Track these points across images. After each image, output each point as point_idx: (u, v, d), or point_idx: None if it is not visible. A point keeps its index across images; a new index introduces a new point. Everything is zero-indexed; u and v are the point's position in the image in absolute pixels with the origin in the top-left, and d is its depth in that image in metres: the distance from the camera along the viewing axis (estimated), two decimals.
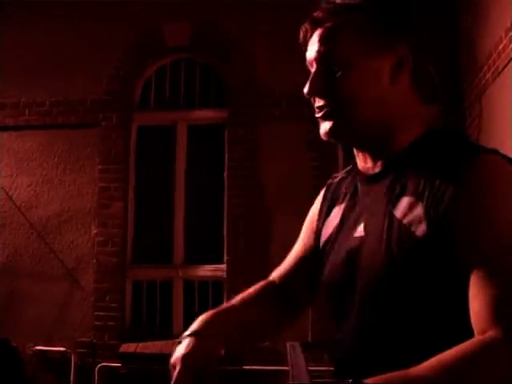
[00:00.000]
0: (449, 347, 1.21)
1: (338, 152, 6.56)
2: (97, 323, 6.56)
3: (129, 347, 6.44)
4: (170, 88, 7.08)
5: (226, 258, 6.56)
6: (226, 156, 6.72)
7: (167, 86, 7.10)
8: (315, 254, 1.75)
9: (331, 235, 1.67)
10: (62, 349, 6.44)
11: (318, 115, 1.57)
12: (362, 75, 1.48)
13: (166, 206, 6.87)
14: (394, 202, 1.46)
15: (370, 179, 1.58)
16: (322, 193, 1.84)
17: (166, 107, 7.06)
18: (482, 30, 5.84)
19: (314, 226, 1.78)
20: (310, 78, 1.55)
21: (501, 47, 5.21)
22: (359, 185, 1.63)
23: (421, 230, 1.37)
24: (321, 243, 1.72)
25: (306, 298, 1.92)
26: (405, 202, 1.44)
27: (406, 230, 1.40)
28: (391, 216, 1.45)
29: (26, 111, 6.99)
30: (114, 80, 6.93)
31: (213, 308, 1.77)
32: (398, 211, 1.44)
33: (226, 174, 6.67)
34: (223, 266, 6.57)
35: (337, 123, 1.52)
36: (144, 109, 7.07)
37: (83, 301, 6.63)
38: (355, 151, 1.64)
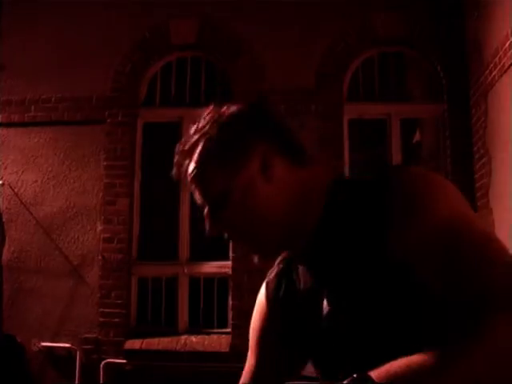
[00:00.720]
0: None
1: (344, 149, 6.56)
2: (102, 320, 6.56)
3: (134, 344, 6.46)
4: (176, 85, 7.09)
5: (231, 254, 6.56)
6: None
7: (173, 83, 7.10)
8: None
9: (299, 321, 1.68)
10: (67, 345, 6.46)
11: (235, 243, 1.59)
12: (241, 195, 1.46)
13: (172, 203, 6.88)
14: (342, 268, 1.45)
15: (305, 259, 1.57)
16: (263, 296, 1.85)
17: (171, 104, 7.06)
18: (488, 28, 5.83)
19: (267, 319, 1.89)
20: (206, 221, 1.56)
21: (507, 45, 5.21)
22: (297, 269, 1.64)
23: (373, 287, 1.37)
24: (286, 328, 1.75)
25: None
26: (348, 267, 1.43)
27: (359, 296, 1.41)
28: (348, 282, 1.45)
29: (32, 108, 6.99)
30: (120, 77, 6.94)
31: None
32: (349, 274, 1.44)
33: None
34: (228, 263, 6.57)
35: (259, 252, 1.53)
36: (150, 106, 7.07)
37: (88, 297, 6.64)
38: None
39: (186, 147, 1.55)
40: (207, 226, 1.55)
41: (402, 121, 6.75)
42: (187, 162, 1.54)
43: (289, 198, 1.48)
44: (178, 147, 1.57)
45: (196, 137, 1.54)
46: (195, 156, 1.52)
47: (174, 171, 1.59)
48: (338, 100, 6.67)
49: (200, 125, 1.56)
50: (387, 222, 1.32)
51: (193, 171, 1.52)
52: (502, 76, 5.40)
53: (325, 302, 1.51)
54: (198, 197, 1.55)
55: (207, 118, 1.58)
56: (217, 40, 6.87)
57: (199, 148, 1.52)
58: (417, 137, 7.43)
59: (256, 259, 1.55)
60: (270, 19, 6.72)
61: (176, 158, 1.58)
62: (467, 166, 6.35)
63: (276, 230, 1.48)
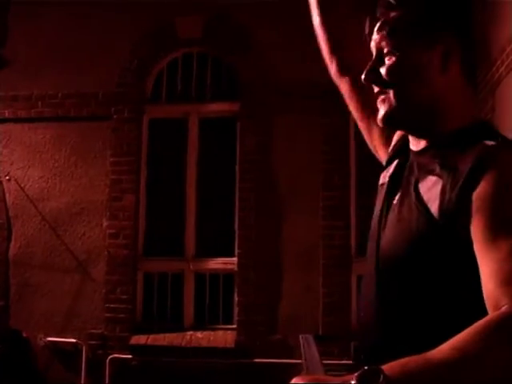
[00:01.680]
0: (464, 328, 1.21)
1: (350, 145, 6.55)
2: (108, 315, 6.57)
3: (140, 339, 6.47)
4: (182, 81, 7.08)
5: (237, 250, 6.56)
6: (238, 149, 6.72)
7: (179, 79, 7.10)
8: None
9: (382, 186, 1.76)
10: (73, 340, 6.47)
11: (378, 101, 1.65)
12: (410, 65, 1.56)
13: (178, 199, 6.88)
14: (423, 179, 1.54)
15: (415, 155, 1.65)
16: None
17: (177, 100, 7.06)
18: (495, 24, 5.81)
19: (386, 147, 1.90)
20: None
21: None
22: (409, 158, 1.69)
23: (434, 207, 1.44)
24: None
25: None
26: (430, 180, 1.51)
27: (424, 206, 1.48)
28: (417, 190, 1.53)
29: (39, 103, 7.00)
30: (126, 73, 6.94)
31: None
32: (423, 188, 1.52)
33: (237, 167, 6.67)
34: (234, 259, 6.58)
35: (388, 110, 1.60)
36: (156, 102, 7.07)
37: (94, 293, 6.65)
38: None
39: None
40: (364, 73, 1.63)
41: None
42: (387, 10, 1.59)
43: (445, 97, 1.58)
44: None
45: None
46: (399, 10, 1.58)
47: (367, 17, 1.67)
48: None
49: None
50: (479, 173, 1.39)
51: (387, 18, 1.59)
52: (509, 73, 5.38)
53: (397, 196, 1.63)
54: (372, 42, 1.64)
55: None
56: (223, 35, 6.87)
57: (406, 7, 1.58)
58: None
59: (381, 114, 1.63)
60: (276, 13, 6.70)
61: (378, 4, 1.63)
62: None
63: (419, 111, 1.59)
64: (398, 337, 1.48)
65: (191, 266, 6.74)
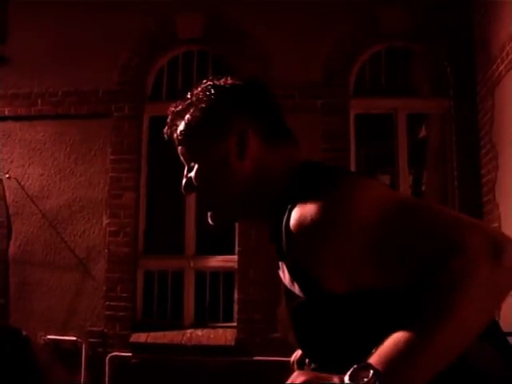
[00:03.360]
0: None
1: (350, 144, 6.56)
2: (108, 313, 6.58)
3: (140, 337, 6.47)
4: (183, 79, 7.09)
5: (237, 248, 6.57)
6: None
7: (179, 77, 7.10)
8: None
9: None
10: (73, 338, 6.48)
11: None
12: (210, 164, 1.63)
13: (178, 197, 6.88)
14: (281, 267, 1.60)
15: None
16: None
17: (177, 98, 7.02)
18: (495, 23, 5.81)
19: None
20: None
21: None
22: None
23: (296, 289, 1.47)
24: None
25: None
26: (283, 266, 1.56)
27: (292, 293, 1.51)
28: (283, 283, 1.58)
29: (39, 101, 7.01)
30: (127, 70, 6.94)
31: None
32: (284, 278, 1.56)
33: None
34: (234, 257, 6.58)
35: (210, 214, 1.70)
36: (156, 99, 7.07)
37: (94, 291, 6.65)
38: None
39: (177, 109, 1.72)
40: (182, 184, 1.72)
41: (408, 116, 6.74)
42: (176, 123, 1.72)
43: (258, 177, 1.61)
44: (171, 106, 1.75)
45: (188, 102, 1.70)
46: (183, 121, 1.69)
47: (165, 129, 1.78)
48: (345, 95, 6.67)
49: (195, 92, 1.71)
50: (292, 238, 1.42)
51: (179, 134, 1.70)
52: (508, 71, 5.39)
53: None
54: (181, 157, 1.74)
55: (203, 86, 1.71)
56: (224, 34, 6.87)
57: (188, 115, 1.68)
58: (423, 132, 7.43)
59: (209, 219, 1.71)
60: (277, 13, 6.71)
61: (168, 117, 1.75)
62: (473, 160, 6.34)
63: (234, 202, 1.64)
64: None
65: (191, 264, 6.74)
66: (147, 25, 6.93)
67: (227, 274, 6.66)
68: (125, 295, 6.60)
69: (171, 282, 6.80)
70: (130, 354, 6.42)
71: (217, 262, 6.71)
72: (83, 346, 6.45)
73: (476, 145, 6.33)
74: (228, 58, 6.94)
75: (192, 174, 1.66)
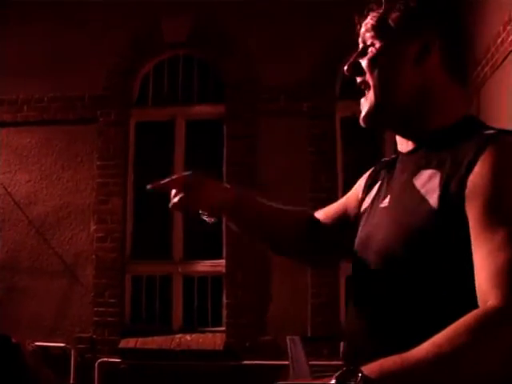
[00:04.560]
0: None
1: (336, 146, 6.57)
2: (96, 319, 6.56)
3: (128, 342, 6.46)
4: (169, 83, 7.08)
5: (225, 253, 6.57)
6: (225, 151, 6.72)
7: (165, 82, 7.10)
8: (352, 218, 1.86)
9: (367, 207, 1.75)
10: (61, 344, 6.45)
11: (361, 102, 1.67)
12: (389, 55, 1.60)
13: (165, 202, 6.86)
14: (417, 174, 1.52)
15: (405, 157, 1.65)
16: (369, 172, 1.91)
17: (164, 103, 7.06)
18: (480, 24, 5.84)
19: (359, 194, 1.87)
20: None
21: (499, 41, 5.21)
22: (397, 163, 1.70)
23: (434, 199, 1.41)
24: (360, 211, 1.80)
25: (329, 247, 2.03)
26: (426, 174, 1.49)
27: (422, 199, 1.45)
28: (412, 186, 1.51)
29: (25, 107, 6.99)
30: (112, 76, 6.93)
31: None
32: (419, 182, 1.50)
33: (224, 169, 6.67)
34: (222, 261, 6.58)
35: (368, 110, 1.63)
36: (142, 104, 7.07)
37: (83, 296, 6.63)
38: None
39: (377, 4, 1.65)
40: (346, 65, 1.67)
41: None
42: (374, 7, 1.65)
43: (425, 91, 1.58)
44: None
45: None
46: (383, 7, 1.62)
47: (358, 17, 1.71)
48: (331, 97, 6.67)
49: None
50: (478, 163, 1.37)
51: (375, 15, 1.63)
52: (494, 72, 5.41)
53: (387, 198, 1.63)
54: (362, 37, 1.67)
55: None
56: (209, 38, 6.87)
57: (389, 4, 1.62)
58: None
59: (362, 114, 1.65)
60: (262, 16, 6.71)
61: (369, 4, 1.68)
62: None
63: (399, 106, 1.60)
64: (388, 341, 1.43)
65: (179, 269, 6.74)
66: (133, 30, 6.91)
67: (215, 279, 6.66)
68: (113, 301, 6.59)
69: (159, 287, 6.79)
70: (118, 360, 6.41)
71: (205, 266, 6.71)
72: (72, 353, 6.43)
73: None
74: (214, 61, 6.95)
75: (365, 58, 1.62)
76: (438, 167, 1.47)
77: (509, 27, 4.95)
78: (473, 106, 6.00)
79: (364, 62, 1.62)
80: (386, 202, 1.61)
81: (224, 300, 6.49)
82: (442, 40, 1.59)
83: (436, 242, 1.39)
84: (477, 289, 1.28)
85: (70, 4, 6.93)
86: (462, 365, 1.16)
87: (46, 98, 6.95)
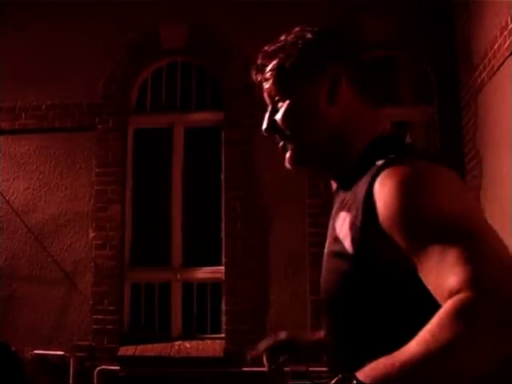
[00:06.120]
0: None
1: None
2: (95, 327, 6.55)
3: (127, 350, 6.45)
4: (167, 90, 7.09)
5: (224, 259, 6.56)
6: (223, 158, 6.72)
7: (163, 89, 7.10)
8: None
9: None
10: (60, 353, 6.43)
11: (280, 147, 1.72)
12: (300, 104, 1.62)
13: (164, 209, 6.87)
14: (336, 217, 1.57)
15: (335, 195, 1.69)
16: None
17: (162, 110, 7.06)
18: (477, 29, 5.85)
19: None
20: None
21: (496, 46, 5.22)
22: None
23: (348, 243, 1.45)
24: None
25: None
26: (342, 216, 1.53)
27: (340, 243, 1.49)
28: (333, 230, 1.57)
29: (23, 115, 6.99)
30: (111, 83, 6.93)
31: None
32: (337, 225, 1.54)
33: (222, 176, 6.67)
34: (221, 268, 6.57)
35: (292, 154, 1.68)
36: (140, 112, 7.07)
37: (81, 304, 6.62)
38: None
39: (271, 49, 1.71)
40: (264, 124, 1.70)
41: (392, 124, 6.74)
42: (268, 61, 1.71)
43: (344, 126, 1.61)
44: (263, 49, 1.76)
45: (282, 43, 1.70)
46: (276, 59, 1.68)
47: (253, 69, 1.79)
48: None
49: (287, 37, 1.71)
50: (375, 195, 1.39)
51: (271, 72, 1.68)
52: (491, 78, 5.42)
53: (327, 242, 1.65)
54: (267, 94, 1.71)
55: (297, 30, 1.72)
56: (207, 44, 6.87)
57: (282, 54, 1.67)
58: (407, 139, 7.43)
59: (286, 157, 1.71)
60: (260, 23, 6.71)
61: (258, 58, 1.76)
62: (458, 167, 6.34)
63: (321, 147, 1.63)
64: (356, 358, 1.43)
65: (178, 276, 6.73)
66: (131, 37, 6.92)
67: (214, 285, 6.65)
68: (112, 308, 6.58)
69: (158, 294, 6.78)
70: (118, 368, 6.39)
71: (204, 273, 6.70)
72: (71, 361, 6.41)
73: (460, 151, 6.36)
74: (212, 68, 6.95)
75: (279, 115, 1.65)
76: (347, 209, 1.50)
77: (506, 32, 4.96)
78: (470, 112, 6.01)
79: (279, 121, 1.65)
80: (326, 247, 1.64)
81: (223, 307, 6.48)
82: (347, 69, 1.62)
83: (359, 283, 1.44)
84: (437, 292, 1.26)
85: (68, 11, 6.94)
86: (452, 357, 1.15)
87: (44, 106, 6.95)
